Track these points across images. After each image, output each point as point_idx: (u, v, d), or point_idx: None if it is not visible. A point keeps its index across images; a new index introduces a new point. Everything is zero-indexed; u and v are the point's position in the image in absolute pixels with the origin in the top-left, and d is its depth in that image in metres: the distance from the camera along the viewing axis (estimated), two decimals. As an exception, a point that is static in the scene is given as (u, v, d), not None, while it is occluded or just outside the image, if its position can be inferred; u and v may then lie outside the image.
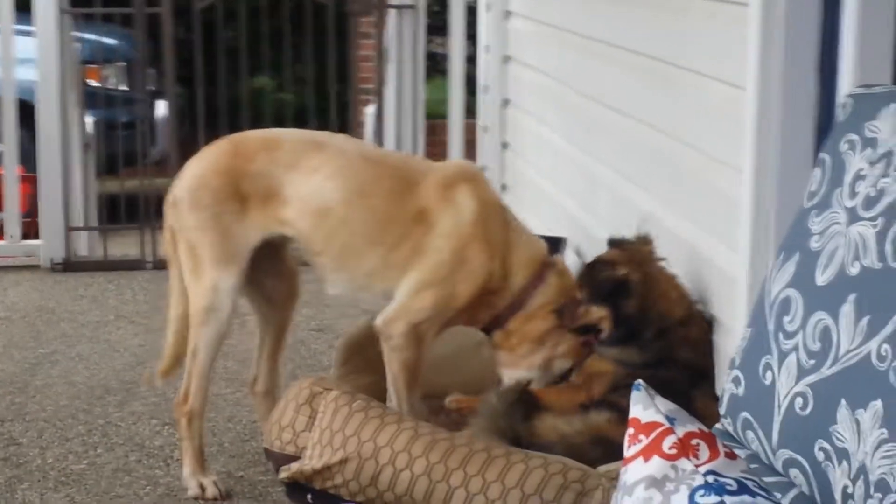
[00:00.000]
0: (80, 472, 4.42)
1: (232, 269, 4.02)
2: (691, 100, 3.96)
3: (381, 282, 3.96)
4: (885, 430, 2.12)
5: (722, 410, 2.60)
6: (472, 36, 7.73)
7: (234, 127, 5.93)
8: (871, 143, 2.46)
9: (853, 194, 2.44)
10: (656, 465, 2.16)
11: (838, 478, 2.21)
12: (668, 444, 2.17)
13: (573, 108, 5.25)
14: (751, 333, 2.57)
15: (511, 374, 3.94)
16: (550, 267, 3.95)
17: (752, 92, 3.41)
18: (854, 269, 2.35)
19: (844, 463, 2.20)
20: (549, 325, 3.89)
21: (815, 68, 3.37)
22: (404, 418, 3.49)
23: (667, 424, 2.20)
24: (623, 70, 4.62)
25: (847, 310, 2.31)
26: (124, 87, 9.09)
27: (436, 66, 12.06)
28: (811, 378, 2.34)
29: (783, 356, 2.43)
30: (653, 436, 2.20)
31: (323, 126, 7.23)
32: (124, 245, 7.51)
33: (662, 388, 2.35)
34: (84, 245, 7.58)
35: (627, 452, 2.23)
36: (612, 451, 3.39)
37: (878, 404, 2.15)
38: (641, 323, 3.69)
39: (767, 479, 2.32)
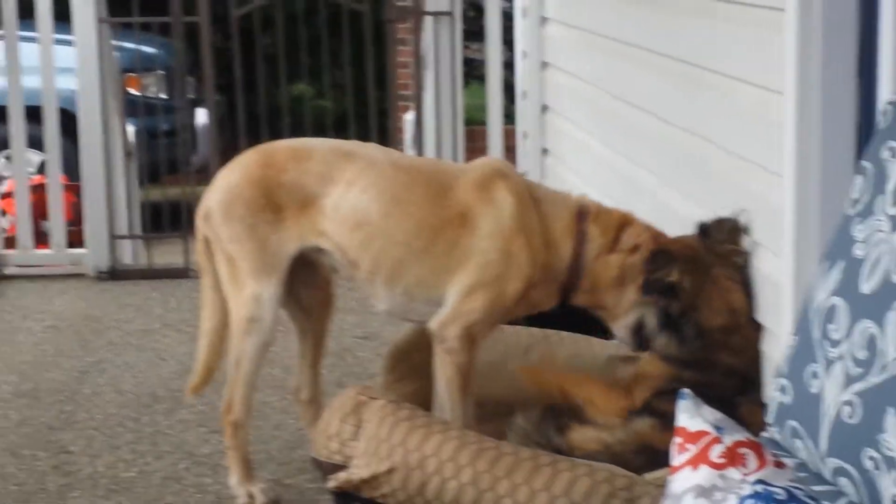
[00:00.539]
0: (130, 480, 4.48)
1: (272, 279, 4.04)
2: (729, 105, 3.97)
3: (431, 290, 3.95)
4: (932, 439, 2.13)
5: (769, 419, 2.61)
6: (508, 41, 7.75)
7: (275, 134, 5.97)
8: (913, 151, 2.47)
9: (896, 202, 2.45)
10: (704, 474, 2.18)
11: (887, 486, 2.22)
12: (716, 453, 2.19)
13: (612, 114, 5.27)
14: (796, 341, 2.59)
15: (622, 325, 3.96)
16: (585, 220, 3.95)
17: (791, 97, 3.42)
18: (899, 278, 2.36)
19: (894, 471, 2.21)
20: (619, 269, 3.91)
21: (854, 73, 3.38)
22: (450, 427, 3.51)
23: (714, 433, 2.22)
24: (660, 75, 4.63)
25: (893, 317, 2.32)
26: (164, 96, 9.16)
27: (472, 71, 12.08)
28: (858, 386, 2.35)
29: (829, 364, 2.45)
30: (700, 445, 2.22)
31: (363, 133, 7.28)
32: (168, 253, 7.59)
33: (705, 392, 2.37)
34: (128, 253, 7.66)
35: (675, 461, 2.25)
36: (656, 458, 3.40)
37: (925, 413, 2.17)
38: (681, 322, 3.72)
39: (816, 488, 2.33)
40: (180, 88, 7.51)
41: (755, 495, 2.11)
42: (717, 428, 2.23)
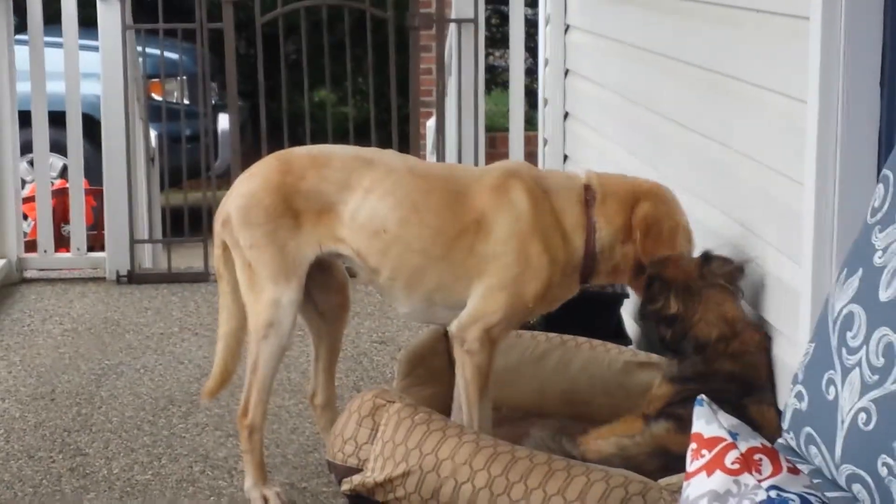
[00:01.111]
0: (146, 483, 4.48)
1: (292, 284, 4.05)
2: (752, 112, 3.96)
3: (451, 295, 3.96)
4: (949, 447, 2.12)
5: (785, 425, 2.60)
6: (531, 48, 7.75)
7: (296, 140, 5.99)
8: (934, 158, 2.46)
9: (917, 210, 2.44)
10: (719, 479, 2.17)
11: (902, 494, 2.22)
12: (730, 459, 2.18)
13: (634, 121, 5.27)
14: (814, 349, 2.58)
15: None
16: (592, 207, 3.96)
17: (814, 105, 3.41)
18: (918, 285, 2.35)
19: (908, 479, 2.20)
20: (633, 258, 3.93)
21: (878, 82, 3.36)
22: (466, 431, 3.51)
23: (729, 439, 2.21)
24: (682, 82, 4.62)
25: (911, 326, 2.31)
26: (187, 101, 9.18)
27: (495, 78, 12.09)
28: (875, 393, 2.34)
29: (846, 371, 2.44)
30: (715, 451, 2.21)
31: (385, 139, 7.28)
32: (188, 257, 7.61)
33: (713, 398, 2.36)
34: (148, 257, 7.70)
35: (690, 467, 2.24)
36: (670, 462, 3.40)
37: (941, 420, 2.16)
38: (679, 344, 3.76)
39: (830, 495, 2.32)
40: (203, 94, 7.52)
41: (769, 501, 2.10)
42: (733, 434, 2.22)
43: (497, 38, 12.21)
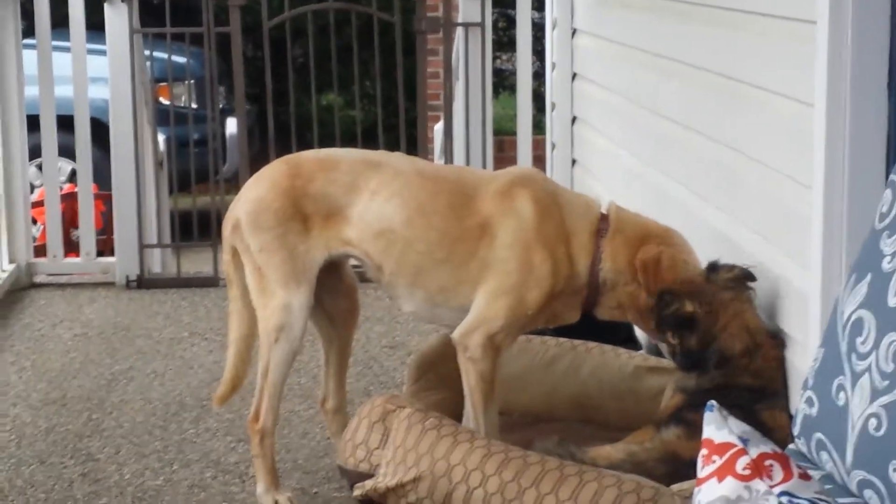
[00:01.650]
0: (157, 489, 4.49)
1: (302, 288, 4.06)
2: (759, 116, 3.96)
3: (454, 298, 3.98)
4: (959, 452, 2.12)
5: (795, 431, 2.61)
6: (538, 52, 7.75)
7: (304, 144, 6.00)
8: (942, 164, 2.46)
9: (925, 216, 2.44)
10: (730, 485, 2.18)
11: (913, 499, 2.22)
12: (741, 464, 2.19)
13: (641, 125, 5.27)
14: (823, 354, 2.58)
15: (657, 342, 3.98)
16: (603, 236, 3.93)
17: (821, 109, 3.41)
18: (927, 291, 2.35)
19: (919, 484, 2.21)
20: (634, 297, 3.91)
21: (885, 85, 3.37)
22: (477, 436, 3.52)
23: (740, 445, 2.21)
24: (690, 87, 4.63)
25: (920, 331, 2.32)
26: (195, 105, 9.20)
27: (502, 82, 12.10)
28: (885, 399, 2.35)
29: (856, 377, 2.44)
30: (726, 457, 2.22)
31: (392, 143, 7.29)
32: (197, 262, 7.63)
33: (725, 405, 2.37)
34: (158, 262, 7.71)
35: (701, 473, 2.25)
36: (680, 468, 3.40)
37: (952, 426, 2.16)
38: (702, 355, 3.71)
39: (842, 501, 2.33)
40: (211, 98, 7.54)
41: (780, 507, 2.11)
42: (743, 440, 2.23)
43: (504, 42, 12.23)
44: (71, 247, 7.78)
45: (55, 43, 7.18)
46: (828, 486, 2.38)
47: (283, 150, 5.44)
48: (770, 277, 3.83)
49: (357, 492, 3.56)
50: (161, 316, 6.61)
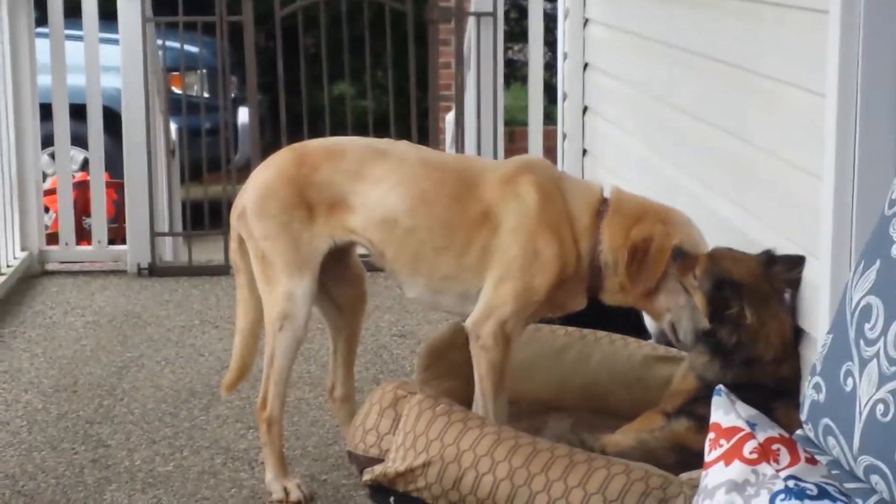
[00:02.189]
0: (167, 475, 4.51)
1: (305, 276, 4.07)
2: (770, 107, 3.96)
3: (457, 285, 3.99)
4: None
5: (803, 416, 2.61)
6: (550, 42, 7.75)
7: (316, 133, 6.00)
8: (951, 151, 2.47)
9: (934, 202, 2.45)
10: (737, 469, 2.18)
11: (919, 484, 2.23)
12: (748, 448, 2.19)
13: (652, 115, 5.27)
14: (831, 340, 2.59)
15: (661, 327, 3.96)
16: (603, 218, 3.92)
17: (833, 99, 3.41)
18: (935, 277, 2.35)
19: (926, 469, 2.21)
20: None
21: (896, 75, 3.37)
22: (487, 422, 3.52)
23: (747, 429, 2.22)
24: (701, 77, 4.63)
25: (928, 317, 2.32)
26: (206, 95, 9.21)
27: (514, 72, 12.10)
28: (893, 385, 2.35)
29: (864, 363, 2.45)
30: (734, 440, 2.22)
31: (403, 133, 7.30)
32: (208, 250, 7.65)
33: (740, 399, 2.37)
34: (169, 250, 7.73)
35: (708, 457, 2.25)
36: (688, 458, 3.40)
37: (959, 411, 2.16)
38: (733, 352, 3.69)
39: (848, 486, 2.33)
40: (223, 87, 7.56)
41: (787, 490, 2.11)
42: (751, 424, 2.23)
43: (516, 32, 12.22)
44: (83, 235, 7.81)
45: (68, 32, 7.20)
46: (835, 471, 2.39)
47: (295, 139, 5.43)
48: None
49: (366, 476, 3.57)
50: (172, 304, 6.63)
